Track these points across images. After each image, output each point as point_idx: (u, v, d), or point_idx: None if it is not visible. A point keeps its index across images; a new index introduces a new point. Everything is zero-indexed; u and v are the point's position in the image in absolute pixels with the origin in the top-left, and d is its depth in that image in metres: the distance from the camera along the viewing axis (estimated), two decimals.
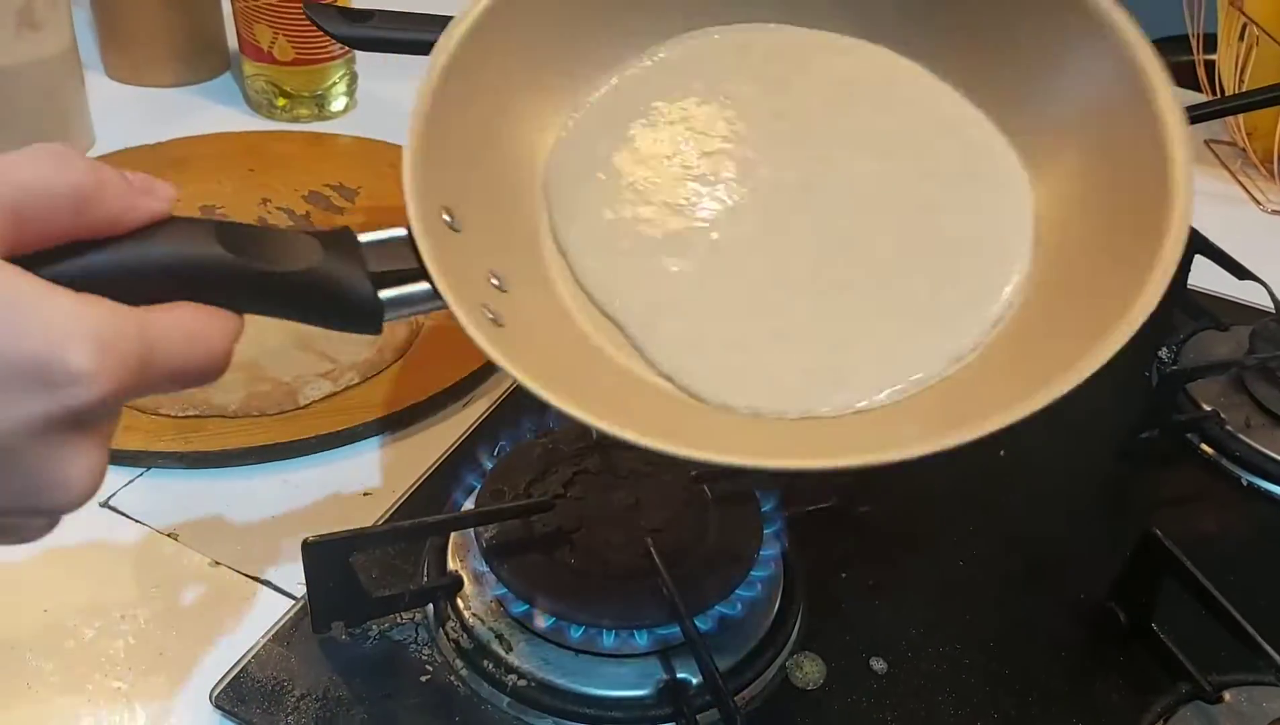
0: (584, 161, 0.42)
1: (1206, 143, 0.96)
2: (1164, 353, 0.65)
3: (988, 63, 0.42)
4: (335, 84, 0.85)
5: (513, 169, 0.41)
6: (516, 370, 0.32)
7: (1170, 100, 0.37)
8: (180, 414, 0.55)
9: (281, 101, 0.85)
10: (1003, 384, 0.36)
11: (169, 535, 0.50)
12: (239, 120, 0.85)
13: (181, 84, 0.89)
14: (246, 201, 0.73)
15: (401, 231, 0.34)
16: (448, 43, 0.38)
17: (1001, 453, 0.58)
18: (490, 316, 0.35)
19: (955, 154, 0.42)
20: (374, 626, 0.45)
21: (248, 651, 0.44)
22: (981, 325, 0.39)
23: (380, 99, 0.88)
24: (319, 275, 0.33)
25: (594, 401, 0.33)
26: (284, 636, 0.45)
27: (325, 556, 0.42)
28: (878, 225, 0.41)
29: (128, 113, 0.85)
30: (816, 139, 0.43)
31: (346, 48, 0.83)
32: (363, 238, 0.34)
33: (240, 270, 0.31)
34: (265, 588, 0.48)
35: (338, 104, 0.86)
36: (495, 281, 0.37)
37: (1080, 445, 0.60)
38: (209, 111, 0.86)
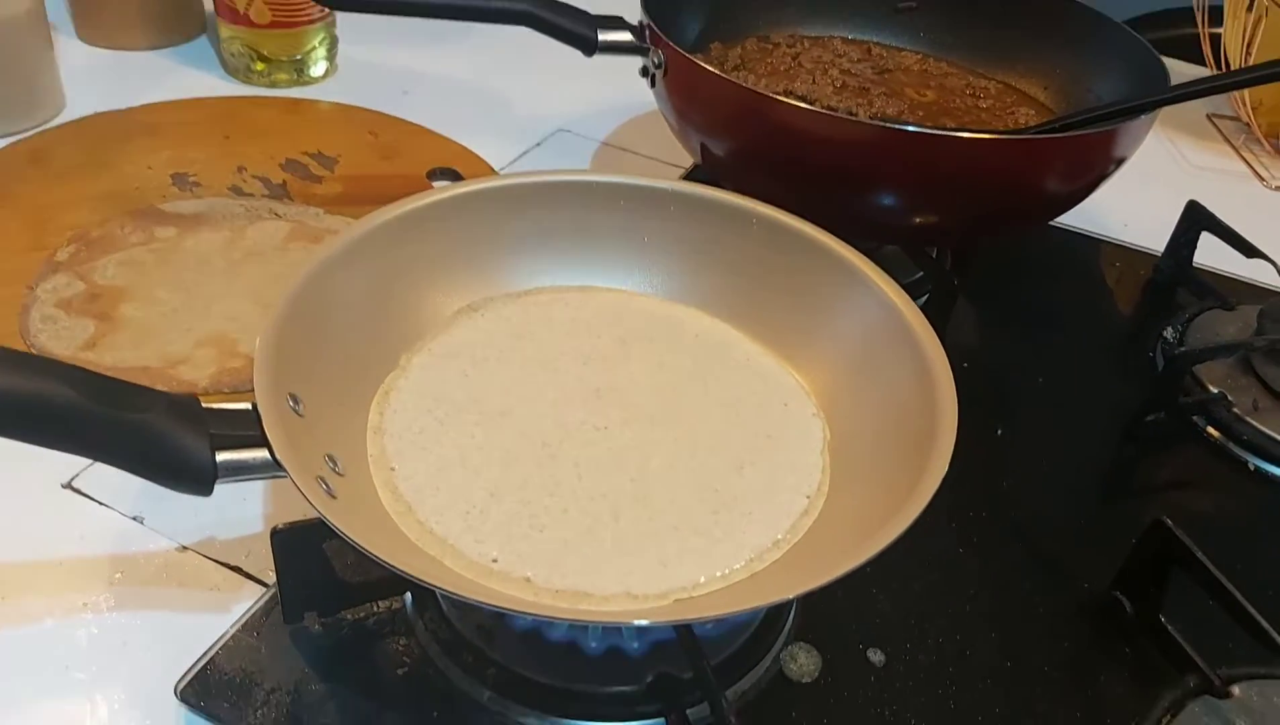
0: (415, 392, 0.45)
1: (1209, 117, 0.94)
2: (1169, 333, 0.63)
3: (777, 312, 0.49)
4: (314, 48, 0.82)
5: (355, 380, 0.44)
6: (347, 530, 0.34)
7: (930, 336, 0.43)
8: None
9: (259, 66, 0.82)
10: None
11: (134, 519, 0.48)
12: (215, 85, 0.82)
13: (155, 47, 0.86)
14: (221, 170, 0.71)
15: (246, 406, 0.37)
16: (308, 265, 0.43)
17: (999, 432, 0.56)
18: (325, 489, 0.37)
19: (748, 385, 0.47)
20: (348, 616, 0.43)
21: (216, 642, 0.42)
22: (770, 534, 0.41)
23: (361, 63, 0.85)
24: (158, 425, 0.35)
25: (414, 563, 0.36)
26: (254, 626, 0.43)
27: (296, 544, 0.40)
28: (676, 445, 0.44)
29: (99, 77, 0.82)
30: (626, 382, 0.47)
31: (326, 10, 0.80)
32: (208, 406, 0.37)
33: (81, 409, 0.34)
34: (235, 574, 0.46)
35: (317, 69, 0.83)
36: (331, 463, 0.39)
37: (1084, 429, 0.58)
38: (183, 76, 0.83)
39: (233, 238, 0.64)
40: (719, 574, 0.39)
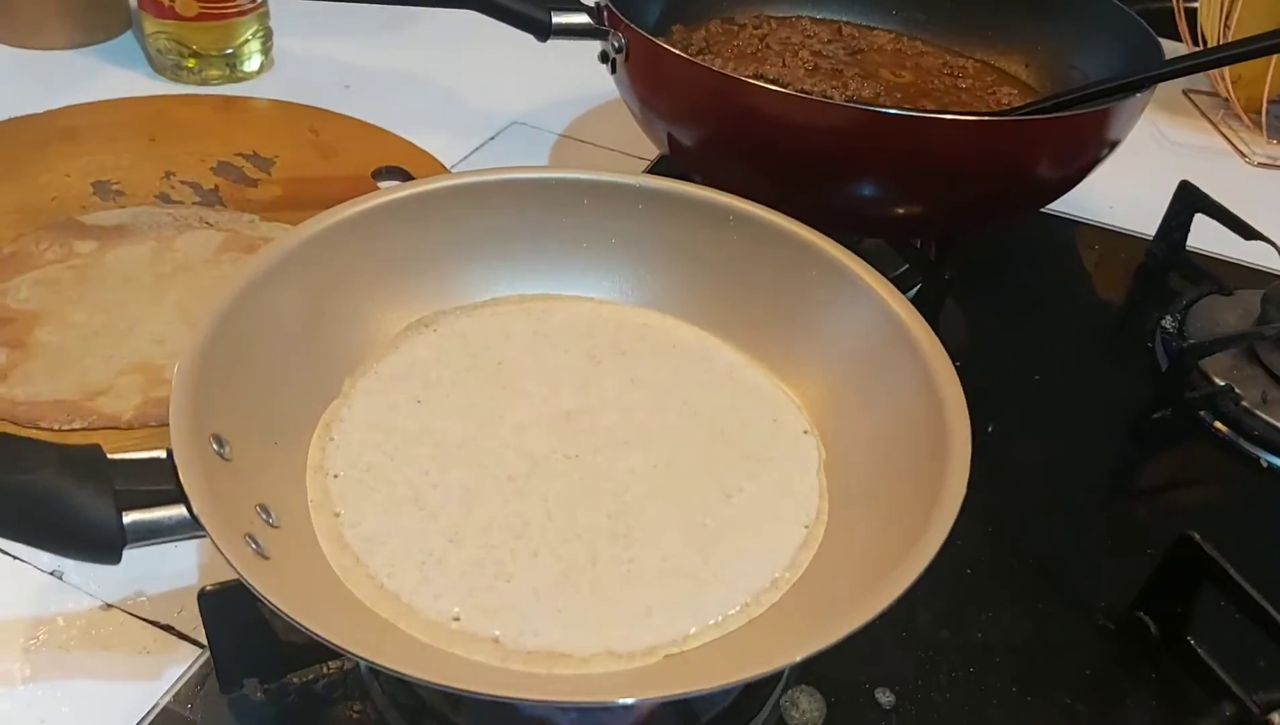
0: (361, 423, 0.41)
1: (1185, 93, 0.91)
2: (1168, 322, 0.60)
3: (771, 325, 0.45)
4: (248, 41, 0.76)
5: (292, 412, 0.39)
6: (277, 600, 0.29)
7: (932, 339, 0.39)
8: (64, 427, 0.48)
9: (190, 62, 0.76)
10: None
11: (52, 574, 0.43)
12: (143, 85, 0.76)
13: (76, 46, 0.80)
14: (146, 175, 0.65)
15: (160, 453, 0.32)
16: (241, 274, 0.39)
17: (989, 428, 0.53)
18: (254, 548, 0.32)
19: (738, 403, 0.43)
20: (294, 679, 0.38)
21: (145, 716, 0.38)
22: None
23: (299, 57, 0.80)
24: (50, 485, 0.30)
25: (359, 636, 0.31)
26: (187, 697, 0.38)
27: (229, 607, 0.35)
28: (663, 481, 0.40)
29: (15, 79, 0.76)
30: (598, 402, 0.42)
31: None
32: (114, 456, 0.31)
33: None
34: (167, 634, 0.41)
35: (251, 63, 0.78)
36: (264, 515, 0.35)
37: (1085, 427, 0.54)
38: (108, 76, 0.77)
39: (159, 250, 0.58)
40: (712, 622, 0.34)
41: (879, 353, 0.40)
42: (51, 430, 0.48)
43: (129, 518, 0.30)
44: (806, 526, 0.38)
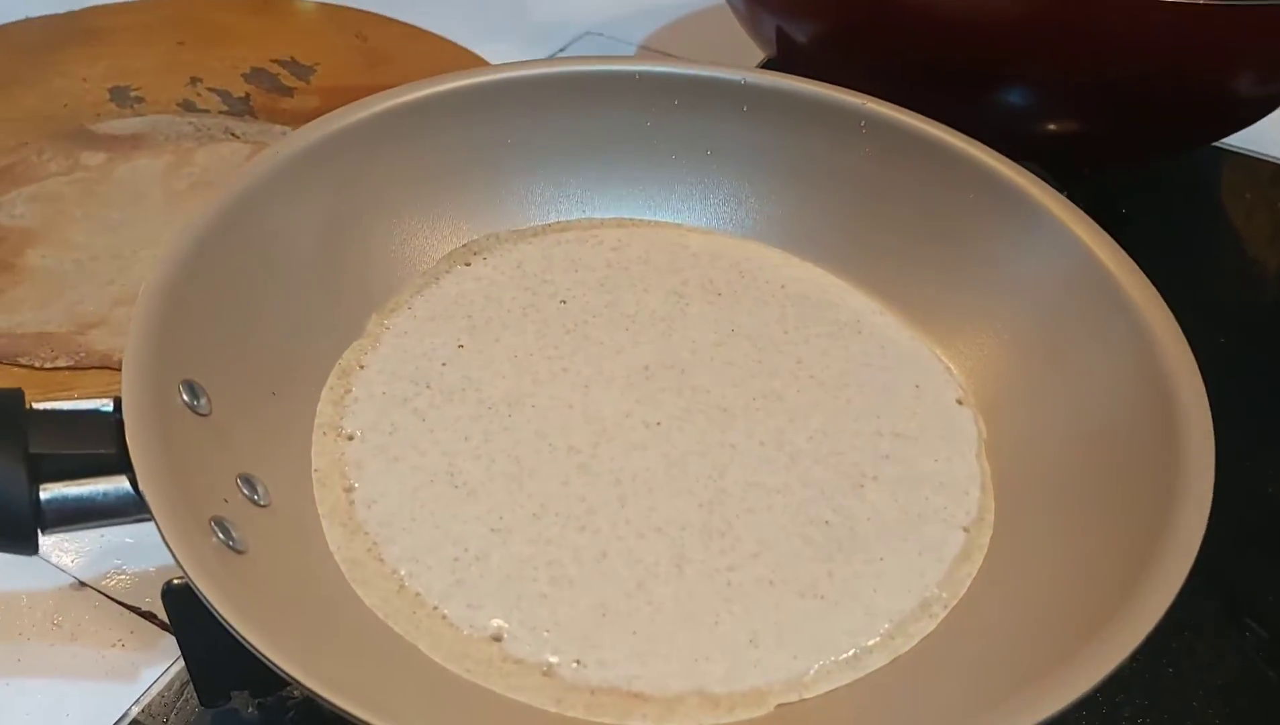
0: (388, 371, 0.32)
1: None
2: None
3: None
4: None
5: (298, 356, 0.31)
6: (239, 622, 0.21)
7: (1153, 298, 0.29)
8: (46, 364, 0.40)
9: None
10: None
11: None
12: None
13: None
14: (171, 82, 0.57)
15: (103, 403, 0.24)
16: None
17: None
18: (221, 539, 0.24)
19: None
20: (294, 693, 0.30)
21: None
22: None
23: None
24: None
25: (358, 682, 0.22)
26: (161, 710, 0.30)
27: (203, 605, 0.27)
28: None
29: None
30: (686, 355, 0.33)
31: None
32: (39, 405, 0.24)
33: None
34: (148, 624, 0.33)
35: None
36: (247, 489, 0.27)
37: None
38: None
39: (176, 163, 0.50)
40: (841, 657, 0.25)
41: (1071, 310, 0.30)
42: (32, 368, 0.40)
43: (47, 491, 0.22)
44: (966, 529, 0.28)
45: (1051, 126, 0.45)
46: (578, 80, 0.36)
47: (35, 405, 0.24)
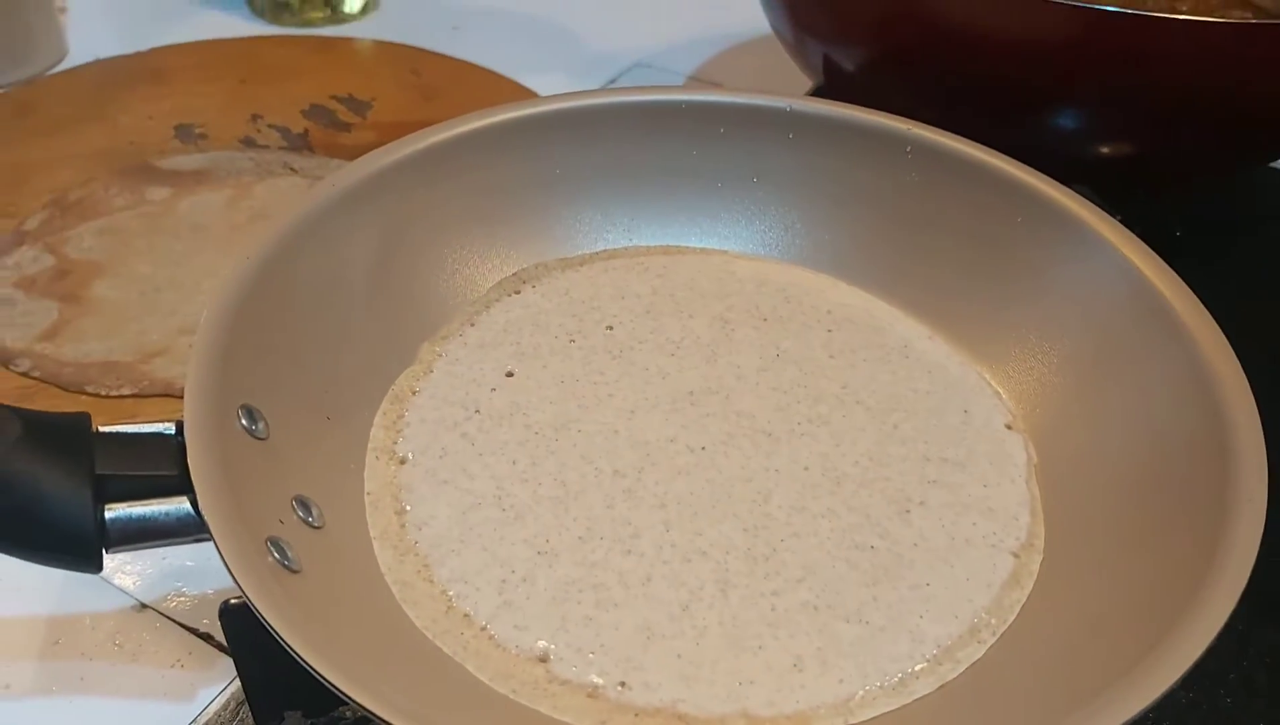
0: (440, 398, 0.33)
1: None
2: None
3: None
4: None
5: (352, 382, 0.32)
6: (298, 642, 0.22)
7: (1205, 321, 0.29)
8: (112, 392, 0.41)
9: (292, 1, 0.70)
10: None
11: None
12: (239, 27, 0.71)
13: None
14: (233, 118, 0.59)
15: (165, 427, 0.25)
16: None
17: None
18: (277, 558, 0.25)
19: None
20: (347, 713, 0.31)
21: None
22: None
23: None
24: (3, 465, 0.22)
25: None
26: None
27: (260, 624, 0.28)
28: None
29: (107, 19, 0.71)
30: (731, 380, 0.34)
31: None
32: (104, 428, 0.24)
33: None
34: (205, 645, 0.34)
35: (353, 3, 0.71)
36: (301, 511, 0.27)
37: None
38: (204, 17, 0.72)
39: (236, 197, 0.52)
40: (887, 683, 0.25)
41: (1123, 334, 0.30)
42: (98, 396, 0.41)
43: (112, 511, 0.23)
44: (1016, 554, 0.28)
45: (1103, 149, 0.44)
46: (623, 111, 0.37)
47: (101, 428, 0.25)
